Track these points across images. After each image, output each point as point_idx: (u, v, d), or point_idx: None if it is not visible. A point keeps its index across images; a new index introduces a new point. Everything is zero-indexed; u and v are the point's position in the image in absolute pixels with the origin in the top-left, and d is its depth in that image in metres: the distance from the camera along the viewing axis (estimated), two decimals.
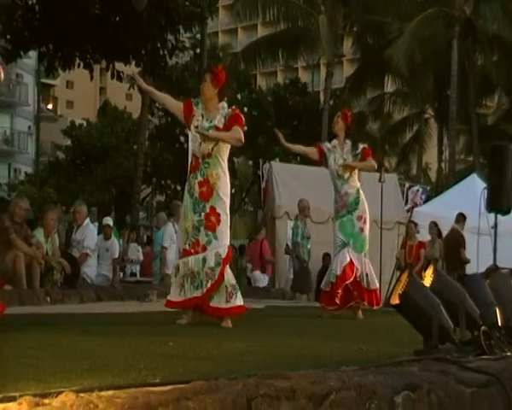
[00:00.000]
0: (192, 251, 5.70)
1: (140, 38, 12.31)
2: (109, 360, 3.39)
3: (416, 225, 13.00)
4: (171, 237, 12.19)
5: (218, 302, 5.70)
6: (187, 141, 18.81)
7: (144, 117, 23.38)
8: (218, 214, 5.71)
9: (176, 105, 6.08)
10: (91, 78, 13.67)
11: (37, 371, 2.92)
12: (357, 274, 7.35)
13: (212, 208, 5.71)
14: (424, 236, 13.10)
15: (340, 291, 7.31)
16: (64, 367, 3.06)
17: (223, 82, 5.92)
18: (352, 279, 7.30)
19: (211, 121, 5.82)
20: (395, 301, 3.79)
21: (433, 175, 38.30)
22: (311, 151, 7.77)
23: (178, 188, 28.03)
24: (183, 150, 21.18)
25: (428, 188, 20.63)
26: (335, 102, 28.03)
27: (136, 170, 22.75)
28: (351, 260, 7.33)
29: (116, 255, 12.18)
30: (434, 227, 12.71)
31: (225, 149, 5.85)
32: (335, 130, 7.72)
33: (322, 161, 7.76)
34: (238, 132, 5.79)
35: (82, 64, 12.76)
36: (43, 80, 38.66)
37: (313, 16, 24.96)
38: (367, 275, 7.45)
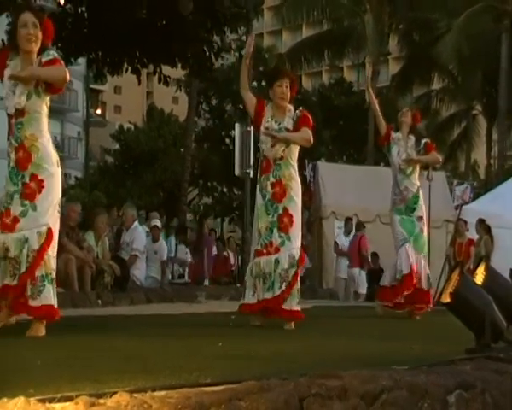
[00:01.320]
0: (264, 252, 5.70)
1: (186, 40, 12.40)
2: (161, 361, 3.42)
3: (465, 222, 12.83)
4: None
5: (290, 305, 5.70)
6: (232, 143, 18.85)
7: (191, 120, 23.58)
8: (291, 216, 5.73)
9: (250, 97, 6.02)
10: (139, 82, 13.83)
11: (91, 371, 2.97)
12: (416, 279, 7.31)
13: (286, 210, 5.73)
14: (473, 233, 12.92)
15: (406, 292, 7.28)
16: (117, 368, 3.10)
17: (297, 89, 6.12)
18: (410, 291, 7.28)
19: (280, 123, 5.84)
20: (446, 299, 3.75)
21: (481, 172, 37.71)
22: (383, 125, 7.58)
23: (225, 189, 28.19)
24: (229, 152, 21.30)
25: (475, 184, 20.31)
26: (381, 101, 27.82)
27: (183, 173, 22.96)
28: (411, 265, 7.30)
29: (164, 257, 12.31)
30: (482, 224, 12.53)
31: (295, 151, 5.87)
32: (400, 121, 7.60)
33: (385, 144, 7.62)
34: (307, 133, 5.83)
35: (130, 69, 12.92)
36: (92, 86, 39.29)
37: (358, 15, 24.84)
38: (427, 276, 7.42)
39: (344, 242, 13.48)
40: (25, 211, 4.54)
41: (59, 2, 12.07)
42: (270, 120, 5.85)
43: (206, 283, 13.47)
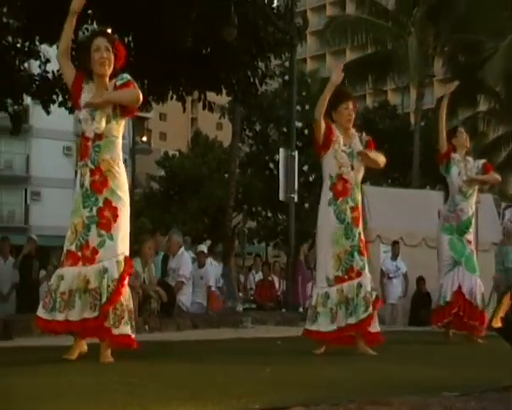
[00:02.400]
0: (346, 277, 5.63)
1: (231, 67, 12.50)
2: (209, 387, 3.42)
3: None
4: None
5: (375, 327, 5.67)
6: (276, 167, 18.81)
7: (235, 145, 23.70)
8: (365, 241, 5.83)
9: (324, 123, 5.82)
10: (184, 109, 13.97)
11: (140, 398, 2.98)
12: (469, 297, 7.17)
13: (361, 234, 5.75)
14: None
15: (448, 319, 7.17)
16: (166, 395, 3.11)
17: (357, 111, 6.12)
18: (456, 309, 7.15)
19: (349, 147, 5.80)
20: (497, 324, 3.68)
21: None
22: (445, 143, 7.38)
23: (269, 214, 28.21)
24: (273, 177, 21.33)
25: None
26: (427, 123, 27.63)
27: (227, 198, 23.05)
28: (459, 285, 7.17)
29: (210, 283, 12.32)
30: None
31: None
32: (459, 143, 7.47)
33: (443, 162, 7.43)
34: (380, 157, 5.85)
35: (175, 96, 13.07)
36: (138, 114, 39.80)
37: (402, 38, 24.76)
38: (482, 295, 7.29)
39: (390, 266, 13.35)
40: (102, 241, 4.59)
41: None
42: (340, 143, 5.77)
43: (301, 309, 13.35)
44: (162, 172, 36.32)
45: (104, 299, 4.51)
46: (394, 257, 13.33)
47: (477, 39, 24.64)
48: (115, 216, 4.64)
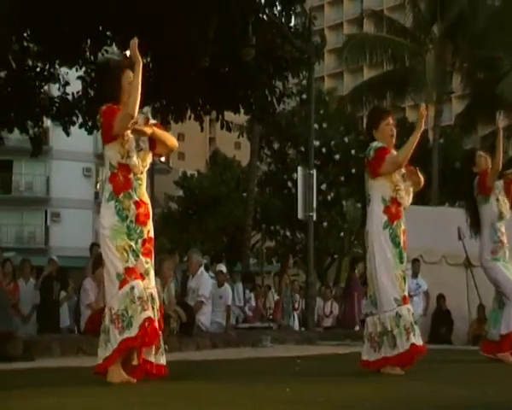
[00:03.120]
0: (407, 298, 5.64)
1: (249, 86, 12.55)
2: (229, 407, 3.41)
3: None
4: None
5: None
6: (295, 186, 18.81)
7: (253, 164, 23.76)
8: None
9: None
10: (201, 129, 14.04)
11: None
12: None
13: None
14: None
15: (507, 353, 7.04)
16: None
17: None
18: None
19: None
20: None
21: None
22: (497, 173, 7.22)
23: (287, 233, 28.18)
24: (292, 195, 21.32)
25: None
26: (445, 140, 27.52)
27: (245, 217, 23.07)
28: None
29: (229, 302, 12.30)
30: None
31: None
32: (481, 168, 7.33)
33: (486, 193, 7.30)
34: (421, 177, 5.85)
35: (193, 116, 13.14)
36: None
37: (420, 55, 24.75)
38: None
39: (411, 284, 13.25)
40: (148, 270, 4.69)
41: (125, 55, 12.43)
42: None
43: (357, 328, 13.26)
44: (181, 192, 36.44)
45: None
46: (415, 275, 13.23)
47: (495, 55, 24.58)
48: (153, 246, 4.79)
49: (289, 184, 25.52)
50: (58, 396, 3.93)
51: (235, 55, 11.66)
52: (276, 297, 15.91)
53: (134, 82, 4.67)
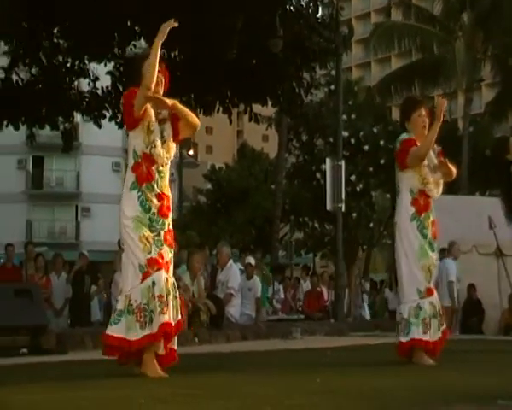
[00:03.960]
0: (433, 290, 5.65)
1: (276, 78, 12.54)
2: (260, 399, 3.43)
3: None
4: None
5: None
6: (323, 177, 18.74)
7: (281, 156, 23.72)
8: None
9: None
10: (230, 122, 14.06)
11: (192, 409, 3.00)
12: None
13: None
14: None
15: None
16: (219, 406, 3.13)
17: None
18: None
19: (429, 160, 5.76)
20: None
21: None
22: None
23: (316, 225, 28.11)
24: (320, 187, 21.26)
25: None
26: (475, 129, 27.24)
27: (274, 209, 23.06)
28: None
29: (259, 294, 12.33)
30: None
31: None
32: None
33: None
34: (454, 168, 5.84)
35: (221, 109, 13.16)
36: None
37: (450, 43, 24.50)
38: None
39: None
40: (171, 260, 4.71)
41: None
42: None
43: None
44: (209, 186, 36.53)
45: (177, 315, 4.67)
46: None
47: None
48: (175, 238, 4.79)
49: (318, 175, 25.41)
50: (92, 389, 3.98)
51: (263, 47, 11.65)
52: (306, 289, 15.91)
53: (151, 57, 4.64)
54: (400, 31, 24.62)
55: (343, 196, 13.85)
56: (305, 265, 20.01)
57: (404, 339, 5.53)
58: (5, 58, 13.20)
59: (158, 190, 4.68)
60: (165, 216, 4.70)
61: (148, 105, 4.69)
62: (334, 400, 3.37)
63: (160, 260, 4.60)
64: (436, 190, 5.71)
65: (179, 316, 4.67)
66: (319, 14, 13.68)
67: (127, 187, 4.69)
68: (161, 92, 4.80)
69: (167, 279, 4.60)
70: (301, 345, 8.38)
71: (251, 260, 12.81)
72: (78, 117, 14.96)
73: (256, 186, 33.15)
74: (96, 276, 14.08)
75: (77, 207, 38.96)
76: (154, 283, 4.54)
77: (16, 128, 13.42)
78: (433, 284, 5.72)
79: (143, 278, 4.56)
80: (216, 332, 9.24)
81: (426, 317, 5.53)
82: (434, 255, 5.67)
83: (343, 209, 14.07)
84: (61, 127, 13.99)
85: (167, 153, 4.73)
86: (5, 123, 13.22)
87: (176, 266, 8.12)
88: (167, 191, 4.76)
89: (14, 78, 13.14)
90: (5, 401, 3.46)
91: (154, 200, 4.65)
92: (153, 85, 4.63)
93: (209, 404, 3.16)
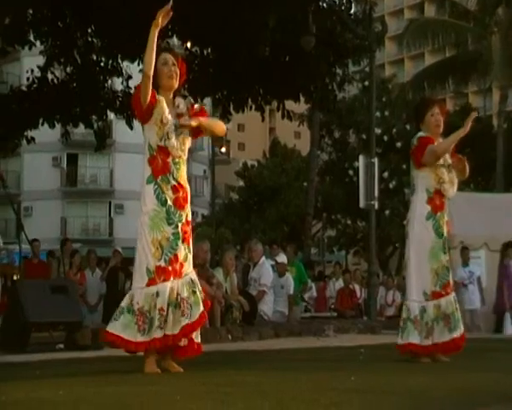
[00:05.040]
0: (443, 293, 5.59)
1: (309, 75, 12.52)
2: (294, 395, 3.43)
3: None
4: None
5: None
6: (356, 174, 18.66)
7: (313, 153, 23.69)
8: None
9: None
10: (262, 119, 14.07)
11: (228, 406, 3.02)
12: None
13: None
14: None
15: None
16: (253, 403, 3.13)
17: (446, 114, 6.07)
18: None
19: (444, 160, 5.73)
20: None
21: None
22: None
23: (348, 222, 28.04)
24: (353, 184, 21.20)
25: None
26: (510, 126, 26.93)
27: (306, 206, 23.04)
28: None
29: (291, 292, 12.32)
30: None
31: None
32: None
33: None
34: (467, 166, 5.84)
35: (254, 106, 13.18)
36: None
37: (485, 38, 24.20)
38: None
39: (463, 273, 13.02)
40: (186, 255, 4.67)
41: (186, 46, 12.54)
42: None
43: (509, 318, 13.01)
44: (241, 183, 36.60)
45: (198, 310, 4.60)
46: (465, 264, 13.04)
47: None
48: (192, 230, 4.76)
49: (350, 172, 25.37)
50: (125, 384, 4.02)
51: (295, 45, 11.63)
52: (338, 286, 15.86)
53: (147, 43, 4.59)
54: (434, 27, 24.40)
55: (376, 194, 13.78)
56: (337, 262, 19.92)
57: (401, 341, 5.55)
58: (41, 57, 13.38)
59: (174, 182, 4.66)
60: (182, 208, 4.66)
61: (161, 98, 4.67)
62: (369, 398, 3.36)
63: (170, 269, 4.55)
64: (452, 190, 5.68)
65: (196, 314, 4.58)
66: (352, 11, 13.64)
67: (144, 180, 4.69)
68: (176, 85, 4.77)
69: (172, 290, 4.55)
70: (334, 343, 8.37)
71: (282, 257, 12.81)
72: (111, 115, 15.08)
73: (288, 183, 33.14)
74: (129, 272, 14.18)
75: (110, 204, 39.30)
76: (158, 293, 4.53)
77: (51, 126, 13.59)
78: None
79: (149, 284, 4.55)
80: (249, 329, 9.26)
81: (428, 321, 5.52)
82: (445, 258, 5.63)
83: (376, 207, 14.00)
84: (95, 126, 14.14)
85: (183, 145, 4.70)
86: (41, 121, 13.40)
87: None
88: (184, 183, 4.72)
89: (50, 76, 13.31)
90: (46, 396, 3.51)
91: (170, 192, 4.63)
92: (151, 72, 4.58)
93: (244, 401, 3.17)
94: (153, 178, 4.65)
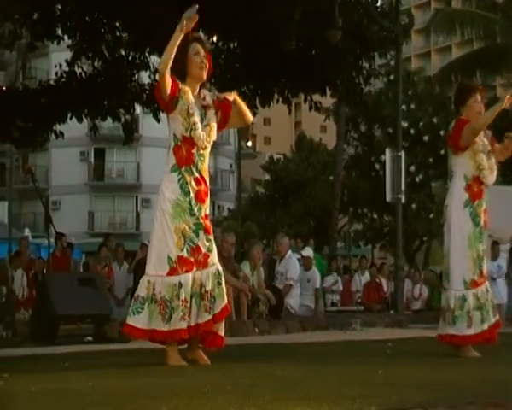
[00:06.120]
0: (479, 282, 5.58)
1: (336, 68, 12.47)
2: (322, 389, 3.43)
3: None
4: None
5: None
6: (382, 168, 18.54)
7: (339, 147, 23.60)
8: None
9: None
10: (289, 111, 14.05)
11: (255, 399, 3.02)
12: None
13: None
14: None
15: None
16: (280, 396, 3.14)
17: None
18: None
19: (484, 146, 5.67)
20: None
21: None
22: None
23: (375, 216, 27.90)
24: (379, 178, 21.08)
25: None
26: None
27: (332, 200, 22.98)
28: None
29: (317, 285, 12.33)
30: None
31: None
32: None
33: None
34: None
35: (280, 99, 13.17)
36: None
37: None
38: None
39: (491, 267, 12.91)
40: (210, 246, 4.65)
41: (212, 40, 12.55)
42: (479, 143, 5.62)
43: None
44: (267, 177, 36.58)
45: (222, 302, 4.61)
46: (494, 258, 12.94)
47: None
48: (210, 221, 4.76)
49: (377, 166, 25.22)
50: (152, 376, 4.05)
51: (322, 38, 11.59)
52: (364, 280, 15.82)
53: (170, 41, 4.55)
54: (461, 18, 24.11)
55: (403, 187, 13.71)
56: (363, 256, 19.85)
57: (449, 332, 5.50)
58: (69, 51, 13.47)
59: (197, 174, 4.64)
60: (203, 201, 4.65)
61: (187, 88, 4.65)
62: (397, 391, 3.34)
63: (192, 260, 4.55)
64: (490, 177, 5.61)
65: (206, 316, 4.58)
66: (378, 4, 13.55)
67: (168, 169, 4.68)
68: (205, 77, 4.76)
69: (195, 280, 4.55)
70: (361, 336, 8.35)
71: (309, 251, 12.81)
72: (138, 109, 15.16)
73: (314, 177, 33.05)
74: None
75: (137, 198, 39.52)
76: (180, 284, 4.51)
77: (79, 120, 13.69)
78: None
79: (170, 273, 4.53)
80: (275, 323, 9.27)
81: (470, 309, 5.46)
82: (481, 247, 5.56)
83: (403, 200, 13.93)
84: (122, 119, 14.22)
85: (208, 136, 4.69)
86: (69, 115, 13.50)
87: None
88: (206, 176, 4.70)
89: (78, 71, 13.40)
90: (76, 388, 3.55)
91: (193, 183, 4.62)
92: (166, 70, 4.54)
93: (271, 394, 3.18)
94: (177, 168, 4.64)
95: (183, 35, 4.56)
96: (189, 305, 4.52)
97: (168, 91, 4.60)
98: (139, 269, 12.50)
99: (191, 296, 4.54)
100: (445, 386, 3.62)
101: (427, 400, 2.85)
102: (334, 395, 3.12)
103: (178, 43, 4.55)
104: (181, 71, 4.67)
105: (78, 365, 4.90)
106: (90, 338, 7.50)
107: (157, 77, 13.69)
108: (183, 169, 4.62)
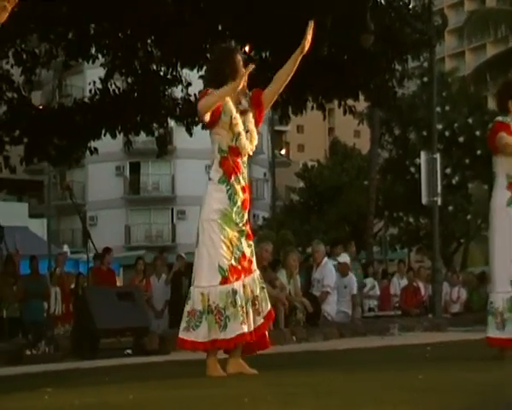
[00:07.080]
0: None
1: (368, 72, 12.42)
2: (361, 395, 3.42)
3: None
4: None
5: None
6: (418, 171, 18.37)
7: (374, 152, 23.50)
8: None
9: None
10: (324, 117, 14.01)
11: (295, 408, 3.02)
12: None
13: None
14: None
15: None
16: (320, 403, 3.14)
17: None
18: None
19: None
20: None
21: None
22: None
23: (411, 219, 27.70)
24: (414, 181, 20.92)
25: None
26: None
27: (367, 205, 22.87)
28: None
29: (354, 291, 12.27)
30: None
31: None
32: None
33: None
34: None
35: (315, 106, 13.15)
36: (276, 127, 40.42)
37: None
38: None
39: None
40: (252, 251, 4.73)
41: (245, 50, 12.62)
42: None
43: None
44: (301, 184, 36.55)
45: (267, 305, 4.69)
46: None
47: None
48: (251, 227, 4.82)
49: (412, 169, 25.04)
50: (193, 388, 4.07)
51: (354, 43, 11.55)
52: (402, 284, 15.70)
53: (223, 91, 4.64)
54: (496, 17, 23.83)
55: (439, 190, 13.61)
56: (401, 260, 19.70)
57: (499, 335, 5.38)
58: (102, 69, 13.64)
59: (243, 183, 4.71)
60: (246, 209, 4.73)
61: (228, 99, 4.70)
62: (438, 396, 3.32)
63: (240, 268, 4.61)
64: None
65: (259, 319, 4.64)
66: (411, 6, 13.44)
67: (215, 181, 4.69)
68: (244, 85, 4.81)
69: (245, 287, 4.61)
70: (400, 341, 8.30)
71: (345, 257, 12.76)
72: (172, 121, 15.29)
73: (349, 182, 32.93)
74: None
75: (172, 210, 39.75)
76: (234, 291, 4.56)
77: (113, 137, 13.84)
78: None
79: (223, 282, 4.57)
80: (313, 330, 9.27)
81: (507, 312, 5.35)
82: None
83: (439, 203, 13.82)
84: (156, 133, 14.34)
85: (251, 143, 4.78)
86: (103, 132, 13.65)
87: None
88: (247, 183, 4.78)
89: (111, 88, 13.55)
90: (117, 401, 3.59)
91: (241, 193, 4.68)
92: (206, 117, 4.65)
93: (311, 402, 3.18)
94: (225, 179, 4.68)
95: (235, 91, 4.71)
96: (245, 310, 4.59)
97: (211, 108, 4.68)
98: (176, 280, 12.63)
99: (246, 303, 4.62)
100: (485, 390, 3.58)
101: (467, 404, 2.83)
102: (375, 402, 3.11)
103: (226, 96, 4.68)
104: (228, 75, 4.74)
105: (118, 378, 4.95)
106: (129, 351, 7.58)
107: (189, 91, 13.73)
108: (232, 180, 4.68)
